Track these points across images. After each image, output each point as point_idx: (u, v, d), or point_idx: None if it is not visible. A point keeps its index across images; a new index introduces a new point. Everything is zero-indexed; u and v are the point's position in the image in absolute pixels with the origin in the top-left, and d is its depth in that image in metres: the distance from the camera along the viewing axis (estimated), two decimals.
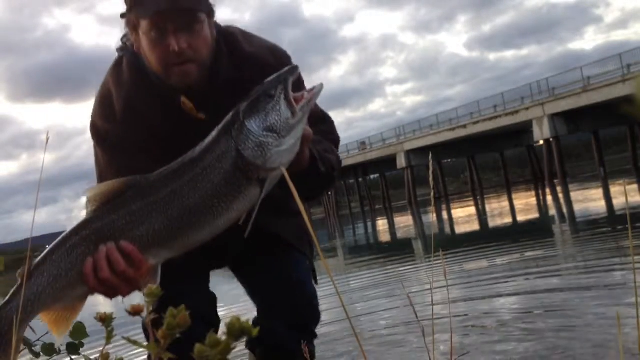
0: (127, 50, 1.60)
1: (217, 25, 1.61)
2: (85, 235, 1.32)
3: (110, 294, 1.30)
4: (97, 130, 1.59)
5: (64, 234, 1.36)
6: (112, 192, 1.32)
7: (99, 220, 1.31)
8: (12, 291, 1.31)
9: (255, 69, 1.54)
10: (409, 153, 42.29)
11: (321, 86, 1.33)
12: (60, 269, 1.31)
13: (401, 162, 43.10)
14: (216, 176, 1.27)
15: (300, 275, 1.86)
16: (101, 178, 1.60)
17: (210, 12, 1.54)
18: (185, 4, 1.44)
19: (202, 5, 1.48)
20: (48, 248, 1.35)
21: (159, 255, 1.31)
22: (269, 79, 1.32)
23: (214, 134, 1.32)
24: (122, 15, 1.54)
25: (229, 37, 1.64)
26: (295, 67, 1.35)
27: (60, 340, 1.43)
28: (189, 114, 1.51)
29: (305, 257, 1.89)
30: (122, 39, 1.63)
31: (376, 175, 55.23)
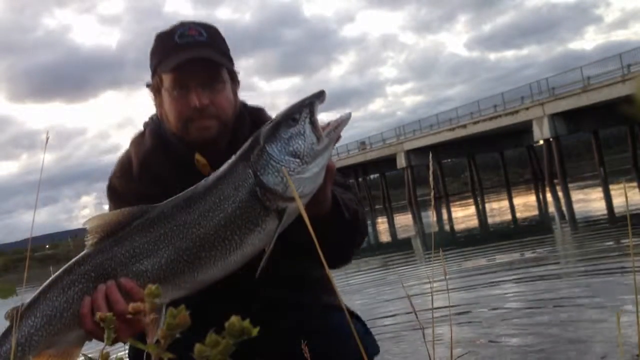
0: (152, 121, 1.60)
1: (243, 102, 1.61)
2: (84, 271, 1.21)
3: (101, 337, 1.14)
4: (113, 188, 1.56)
5: (60, 270, 1.24)
6: (116, 223, 1.22)
7: (99, 255, 1.21)
8: (1, 334, 1.19)
9: None
10: (409, 153, 42.28)
11: (349, 115, 1.23)
12: (54, 309, 1.19)
13: (401, 162, 43.08)
14: (230, 205, 1.17)
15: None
16: None
17: (234, 76, 1.53)
18: (205, 53, 1.42)
19: (222, 57, 1.46)
20: (42, 285, 1.23)
21: (164, 294, 1.17)
22: (293, 103, 1.23)
23: (230, 160, 1.24)
24: (148, 85, 1.54)
25: (255, 110, 1.62)
26: (322, 92, 1.25)
27: None
28: (203, 172, 1.47)
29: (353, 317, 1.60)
30: (149, 117, 1.64)
31: (376, 175, 55.21)
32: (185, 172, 1.46)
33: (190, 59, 1.40)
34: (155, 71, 1.49)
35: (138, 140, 1.60)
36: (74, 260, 1.24)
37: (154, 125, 1.58)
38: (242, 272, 1.24)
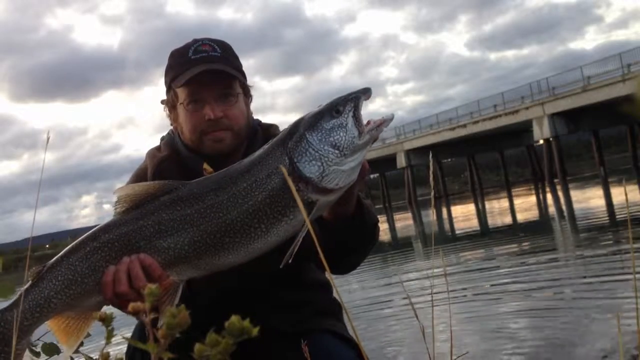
0: (168, 135, 1.63)
1: (258, 119, 1.63)
2: (108, 239, 1.21)
3: (125, 307, 1.15)
4: None
5: (84, 236, 1.24)
6: (145, 195, 1.22)
7: (125, 225, 1.21)
8: (20, 292, 1.21)
9: None
10: (409, 152, 42.29)
11: (392, 116, 1.22)
12: (76, 274, 1.20)
13: (401, 161, 43.08)
14: (261, 193, 1.16)
15: None
16: None
17: (246, 90, 1.54)
18: (218, 66, 1.44)
19: (235, 69, 1.48)
20: (65, 249, 1.23)
21: (183, 273, 1.20)
22: (339, 97, 1.22)
23: (266, 145, 1.23)
24: (163, 101, 1.57)
25: (268, 126, 1.64)
26: (368, 89, 1.24)
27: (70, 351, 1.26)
28: None
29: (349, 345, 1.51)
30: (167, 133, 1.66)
31: (376, 175, 55.20)
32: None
33: (204, 71, 1.42)
34: (170, 87, 1.52)
35: (154, 152, 1.63)
36: (99, 227, 1.24)
37: (169, 138, 1.62)
38: (255, 271, 1.23)
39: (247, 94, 1.56)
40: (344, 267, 1.49)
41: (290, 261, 1.15)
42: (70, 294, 1.20)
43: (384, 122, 1.20)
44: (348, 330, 1.57)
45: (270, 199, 1.16)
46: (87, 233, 1.24)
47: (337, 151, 1.15)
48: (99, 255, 1.20)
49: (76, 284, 1.20)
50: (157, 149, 1.64)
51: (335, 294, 1.68)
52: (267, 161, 1.19)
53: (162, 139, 1.67)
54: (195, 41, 1.52)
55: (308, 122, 1.20)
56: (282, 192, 1.16)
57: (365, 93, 1.22)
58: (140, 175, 1.59)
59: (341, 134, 1.16)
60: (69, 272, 1.20)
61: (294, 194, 1.05)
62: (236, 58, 1.56)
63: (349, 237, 1.35)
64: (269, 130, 1.62)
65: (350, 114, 1.18)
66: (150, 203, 1.22)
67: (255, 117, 1.66)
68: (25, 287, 1.21)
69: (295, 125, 1.21)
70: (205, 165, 1.46)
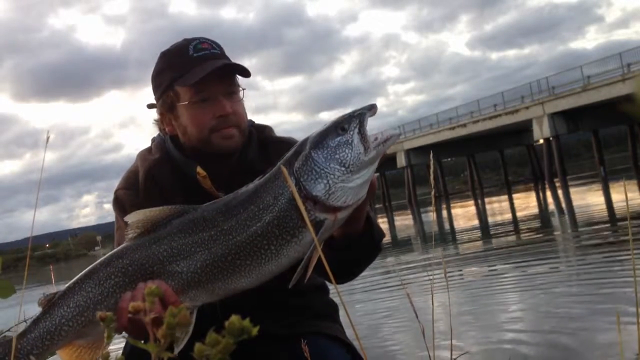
0: (159, 136, 1.61)
1: (251, 120, 1.62)
2: (122, 265, 1.21)
3: (140, 335, 1.14)
4: (118, 199, 1.56)
5: (97, 261, 1.24)
6: (157, 220, 1.23)
7: (138, 250, 1.21)
8: (32, 320, 1.19)
9: (282, 152, 1.38)
10: (409, 152, 42.30)
11: (398, 133, 1.24)
12: (88, 301, 1.19)
13: (401, 161, 43.10)
14: (269, 214, 1.17)
15: None
16: (119, 244, 1.54)
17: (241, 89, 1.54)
18: (229, 67, 1.44)
19: (243, 70, 1.47)
20: (78, 275, 1.23)
21: (196, 298, 1.20)
22: (343, 114, 1.22)
23: (273, 169, 1.22)
24: (151, 105, 1.55)
25: (262, 127, 1.63)
26: (374, 105, 1.24)
27: None
28: (205, 187, 1.46)
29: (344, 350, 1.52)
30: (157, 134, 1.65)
31: (376, 174, 55.14)
32: (188, 185, 1.48)
33: (220, 67, 1.42)
34: (169, 87, 1.49)
35: (145, 154, 1.61)
36: (112, 253, 1.24)
37: (160, 140, 1.60)
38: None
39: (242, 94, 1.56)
40: (347, 278, 1.49)
41: (305, 281, 1.17)
42: (82, 321, 1.18)
43: (391, 137, 1.20)
44: (345, 333, 1.56)
45: (279, 220, 1.16)
46: (100, 259, 1.24)
47: (343, 168, 1.15)
48: (112, 281, 1.20)
49: (89, 310, 1.18)
50: (148, 150, 1.63)
51: (335, 295, 1.68)
52: (274, 182, 1.19)
53: (153, 140, 1.64)
54: (189, 40, 1.50)
55: (313, 140, 1.19)
56: (289, 213, 1.16)
57: (370, 109, 1.22)
58: (131, 178, 1.58)
59: (347, 151, 1.16)
60: (82, 299, 1.19)
61: (303, 214, 1.06)
62: (230, 58, 1.56)
63: (357, 255, 1.36)
64: (264, 131, 1.61)
65: (356, 130, 1.18)
66: (162, 228, 1.22)
67: (256, 117, 1.65)
68: (37, 315, 1.20)
69: (301, 145, 1.21)
70: (199, 169, 1.45)
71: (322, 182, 1.14)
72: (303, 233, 1.16)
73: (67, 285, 1.21)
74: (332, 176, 1.14)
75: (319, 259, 1.09)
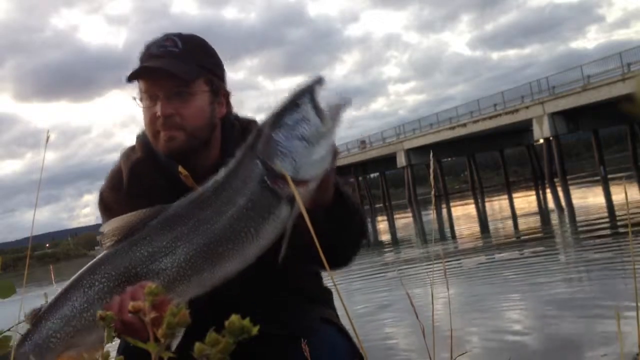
0: (143, 133, 1.59)
1: (236, 114, 1.61)
2: (105, 271, 1.21)
3: (134, 336, 1.10)
4: (103, 200, 1.56)
5: (81, 270, 1.23)
6: (133, 224, 1.23)
7: (119, 254, 1.22)
8: (21, 337, 1.18)
9: None
10: (409, 152, 42.31)
11: (349, 99, 1.25)
12: (74, 310, 1.18)
13: (401, 160, 43.11)
14: (242, 198, 1.19)
15: None
16: None
17: (215, 86, 1.51)
18: (166, 64, 1.41)
19: (192, 68, 1.45)
20: (62, 287, 1.22)
21: (185, 292, 1.20)
22: (294, 89, 1.24)
23: (237, 153, 1.24)
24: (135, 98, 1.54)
25: (246, 121, 1.62)
26: (321, 78, 1.25)
27: None
28: (187, 183, 1.47)
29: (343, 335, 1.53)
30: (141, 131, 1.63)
31: (376, 174, 55.23)
32: (172, 183, 1.46)
33: (145, 68, 1.41)
34: (127, 82, 1.48)
35: (128, 153, 1.61)
36: (93, 261, 1.24)
37: (144, 137, 1.57)
38: (251, 274, 1.24)
39: (216, 92, 1.52)
40: (335, 260, 1.47)
41: (283, 254, 1.16)
42: (69, 331, 1.18)
43: (343, 103, 1.23)
44: (339, 318, 1.58)
45: (252, 202, 1.19)
46: (83, 268, 1.24)
47: (304, 142, 1.18)
48: (97, 288, 1.20)
49: (75, 320, 1.18)
50: (132, 149, 1.62)
51: (332, 291, 1.68)
52: (241, 167, 1.21)
53: (138, 137, 1.62)
54: (163, 36, 1.49)
55: (270, 122, 1.22)
56: (260, 194, 1.19)
57: (318, 82, 1.24)
58: (115, 177, 1.57)
59: (305, 126, 1.19)
60: (68, 309, 1.19)
61: (295, 193, 1.07)
62: (205, 54, 1.52)
63: (334, 224, 1.36)
64: (249, 125, 1.59)
65: (310, 105, 1.21)
66: (139, 231, 1.23)
67: (257, 116, 1.64)
68: (25, 332, 1.19)
69: (261, 128, 1.23)
70: (181, 169, 1.44)
71: (287, 160, 1.17)
72: (279, 209, 1.19)
73: (53, 297, 1.21)
74: (295, 153, 1.17)
75: (299, 239, 1.12)
